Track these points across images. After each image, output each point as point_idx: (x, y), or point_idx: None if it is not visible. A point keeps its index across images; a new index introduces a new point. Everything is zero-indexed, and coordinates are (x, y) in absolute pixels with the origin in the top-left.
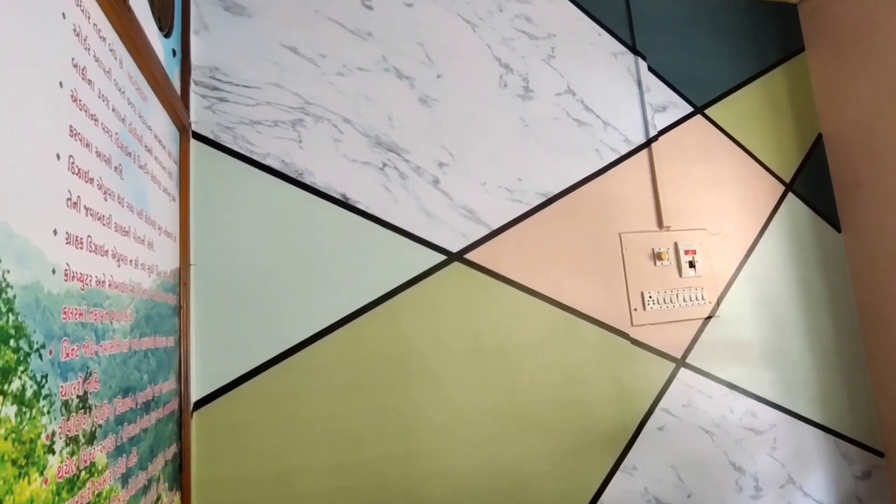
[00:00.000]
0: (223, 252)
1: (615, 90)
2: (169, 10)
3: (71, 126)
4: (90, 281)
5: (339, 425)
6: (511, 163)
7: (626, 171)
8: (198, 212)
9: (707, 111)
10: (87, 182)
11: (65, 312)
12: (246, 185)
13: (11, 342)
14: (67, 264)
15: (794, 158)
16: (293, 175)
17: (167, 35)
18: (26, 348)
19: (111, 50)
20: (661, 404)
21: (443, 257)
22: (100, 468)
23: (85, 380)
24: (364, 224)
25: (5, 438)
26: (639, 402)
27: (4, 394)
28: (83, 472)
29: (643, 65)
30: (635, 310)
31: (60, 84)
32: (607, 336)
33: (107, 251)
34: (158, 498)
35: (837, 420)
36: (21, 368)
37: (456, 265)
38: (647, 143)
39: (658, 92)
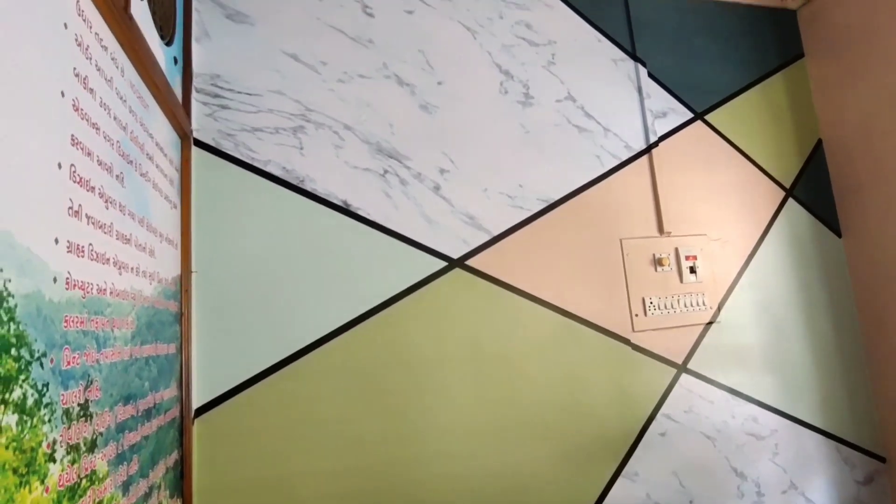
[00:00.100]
0: (224, 259)
1: (615, 96)
2: (170, 19)
3: (73, 135)
4: (91, 289)
5: (340, 431)
6: (512, 169)
7: (626, 177)
8: (199, 219)
9: (707, 117)
10: (88, 191)
11: (66, 321)
12: (247, 192)
13: (13, 351)
14: (69, 273)
15: (794, 164)
16: (294, 182)
17: (169, 43)
18: (27, 357)
19: (113, 59)
20: (663, 410)
21: (444, 264)
22: (100, 476)
23: (86, 388)
24: (365, 231)
25: (6, 447)
26: (640, 407)
27: (6, 403)
28: (84, 481)
29: (643, 71)
30: (636, 315)
31: (62, 94)
32: (608, 342)
33: (108, 259)
34: None
35: (839, 425)
36: (22, 377)
37: (457, 271)
38: (648, 150)
39: (658, 98)
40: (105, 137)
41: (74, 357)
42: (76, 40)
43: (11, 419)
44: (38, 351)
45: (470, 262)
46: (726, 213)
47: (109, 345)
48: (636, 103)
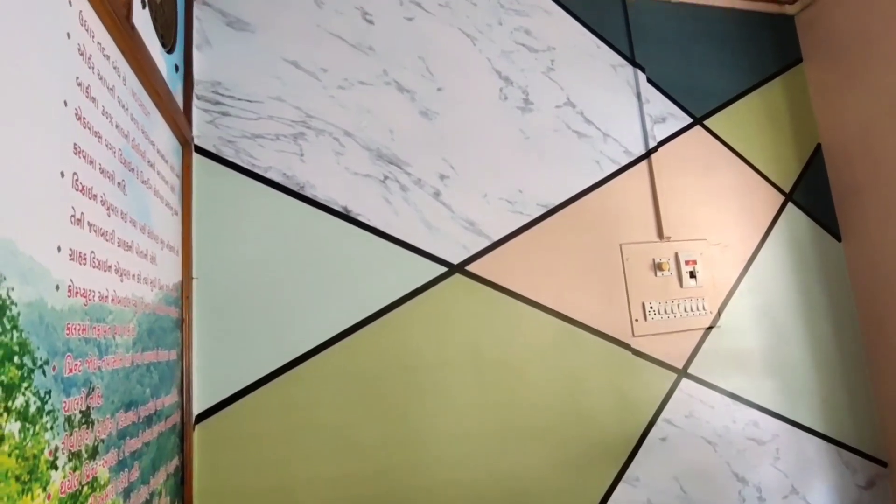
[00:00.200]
0: (225, 265)
1: (615, 102)
2: (172, 27)
3: (75, 144)
4: (93, 296)
5: (341, 437)
6: (511, 174)
7: (626, 182)
8: (200, 225)
9: (706, 122)
10: (90, 199)
11: (68, 328)
12: (248, 198)
13: (15, 359)
14: (71, 280)
15: (793, 168)
16: (295, 188)
17: (170, 51)
18: (30, 365)
19: (115, 67)
20: (664, 415)
21: (444, 269)
22: (102, 483)
23: (88, 395)
24: (365, 236)
25: (9, 455)
26: (641, 412)
27: (8, 410)
28: (85, 488)
29: (642, 77)
30: (636, 320)
31: (65, 103)
32: (609, 347)
33: (110, 266)
34: None
35: (840, 430)
36: (25, 385)
37: (457, 277)
38: (647, 155)
39: (657, 103)
40: (107, 145)
41: (76, 364)
42: (79, 50)
43: (14, 427)
44: (41, 359)
45: (470, 268)
46: (726, 218)
47: (111, 352)
48: (635, 108)
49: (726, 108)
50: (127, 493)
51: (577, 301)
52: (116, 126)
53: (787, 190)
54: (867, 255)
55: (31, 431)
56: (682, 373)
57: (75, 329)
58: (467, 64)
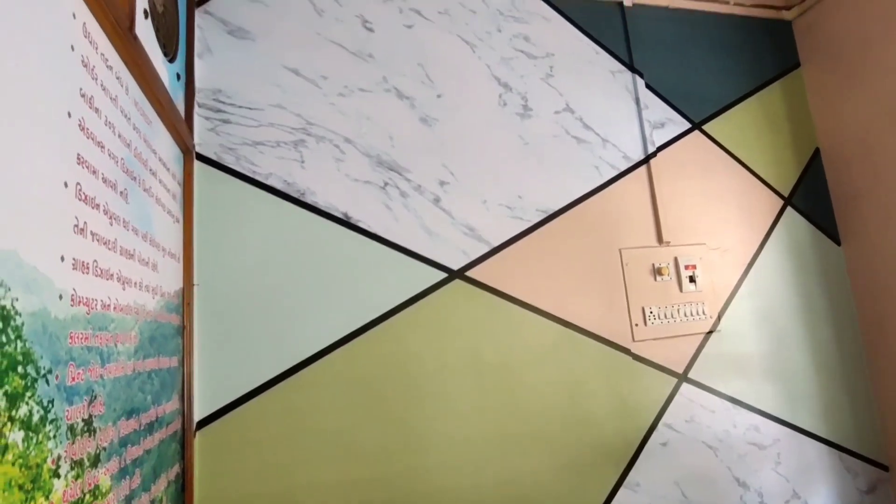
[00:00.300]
0: (226, 272)
1: (613, 107)
2: (173, 36)
3: (78, 154)
4: (96, 305)
5: (342, 443)
6: (511, 180)
7: (625, 187)
8: (201, 232)
9: (705, 127)
10: (93, 208)
11: (71, 337)
12: (248, 205)
13: (19, 368)
14: (74, 289)
15: (792, 172)
16: (295, 195)
17: (171, 60)
18: (33, 374)
19: (117, 78)
20: (664, 420)
21: (444, 275)
22: (104, 491)
23: (90, 403)
24: (366, 243)
25: (13, 464)
26: (641, 417)
27: (12, 420)
28: (87, 496)
29: (641, 82)
30: (636, 325)
31: (69, 114)
32: (609, 352)
33: (112, 275)
34: None
35: (841, 434)
36: (28, 394)
37: (457, 283)
38: (646, 160)
39: (656, 109)
40: (110, 155)
41: (79, 373)
42: (82, 61)
43: (18, 436)
44: (44, 368)
45: (470, 273)
46: (725, 222)
47: (113, 359)
48: (634, 114)
49: (725, 113)
50: (128, 500)
51: (576, 306)
52: (119, 136)
53: (786, 194)
54: (867, 259)
55: (34, 440)
56: (683, 377)
57: (78, 338)
58: (467, 71)
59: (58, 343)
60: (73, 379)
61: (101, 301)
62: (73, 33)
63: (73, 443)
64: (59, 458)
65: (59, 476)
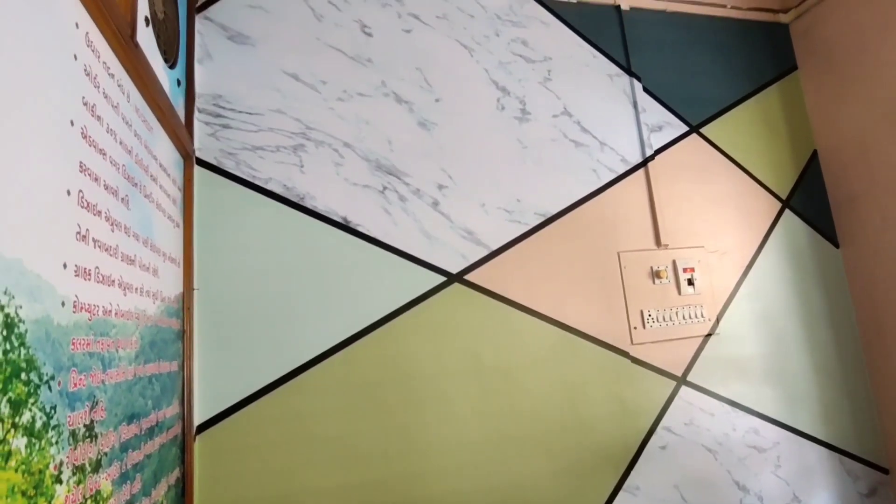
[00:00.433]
0: (226, 276)
1: (611, 111)
2: (174, 42)
3: (81, 162)
4: (97, 311)
5: (341, 447)
6: (509, 184)
7: (623, 190)
8: (201, 237)
9: (702, 130)
10: (95, 215)
11: (73, 343)
12: (248, 209)
13: (23, 375)
14: (76, 296)
15: (790, 175)
16: (295, 199)
17: (172, 66)
18: (36, 380)
19: (119, 85)
20: (663, 423)
21: (443, 279)
22: (105, 496)
23: (91, 409)
24: (365, 247)
25: (16, 470)
26: (640, 420)
27: (16, 426)
28: (89, 501)
29: (638, 86)
30: (635, 328)
31: (71, 122)
32: (608, 355)
33: (113, 281)
34: None
35: (841, 437)
36: (31, 401)
37: (456, 286)
38: (644, 163)
39: (653, 112)
40: (111, 162)
41: (81, 379)
42: (85, 70)
43: (21, 442)
44: (47, 374)
45: (469, 277)
46: (723, 225)
47: (114, 365)
48: (632, 117)
49: (722, 116)
50: None
51: (575, 309)
52: (120, 143)
53: (784, 197)
54: (865, 261)
55: (36, 446)
56: (682, 380)
57: (80, 344)
58: (465, 75)
59: (60, 349)
60: (75, 385)
61: (103, 307)
62: (75, 43)
63: (75, 448)
64: (61, 463)
65: (61, 482)
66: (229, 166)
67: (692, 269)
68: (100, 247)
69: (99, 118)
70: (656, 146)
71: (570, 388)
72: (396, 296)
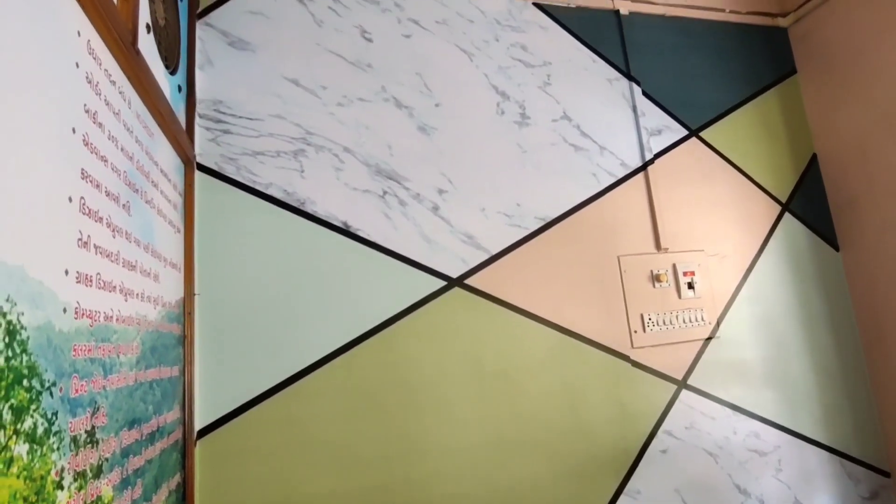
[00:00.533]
0: (226, 281)
1: (610, 115)
2: (175, 49)
3: (82, 169)
4: (99, 317)
5: (342, 451)
6: (509, 188)
7: (623, 194)
8: (202, 242)
9: (702, 134)
10: (96, 221)
11: (74, 350)
12: (249, 214)
13: (24, 382)
14: (78, 302)
15: (789, 179)
16: (295, 204)
17: (173, 72)
18: (38, 387)
19: (120, 92)
20: (664, 427)
21: (443, 283)
22: (105, 502)
23: (93, 414)
24: (365, 251)
25: (18, 476)
26: (641, 424)
27: (17, 433)
28: None
29: (637, 90)
30: (635, 332)
31: (73, 130)
32: (608, 359)
33: (114, 287)
34: None
35: (842, 440)
36: (33, 407)
37: (456, 290)
38: (644, 167)
39: (653, 116)
40: (113, 169)
41: (82, 385)
42: (87, 78)
43: (22, 449)
44: (49, 381)
45: (469, 281)
46: (723, 229)
47: (115, 371)
48: (631, 121)
49: (722, 120)
50: None
51: (575, 313)
52: (122, 149)
53: (783, 200)
54: (865, 264)
55: (38, 453)
56: (682, 384)
57: (81, 350)
58: (464, 80)
59: (62, 356)
60: (77, 391)
61: (104, 313)
62: (77, 51)
63: (77, 454)
64: (62, 469)
65: (62, 488)
66: (230, 171)
67: (692, 273)
68: (101, 253)
69: (101, 125)
70: (656, 150)
71: (571, 392)
72: (397, 300)
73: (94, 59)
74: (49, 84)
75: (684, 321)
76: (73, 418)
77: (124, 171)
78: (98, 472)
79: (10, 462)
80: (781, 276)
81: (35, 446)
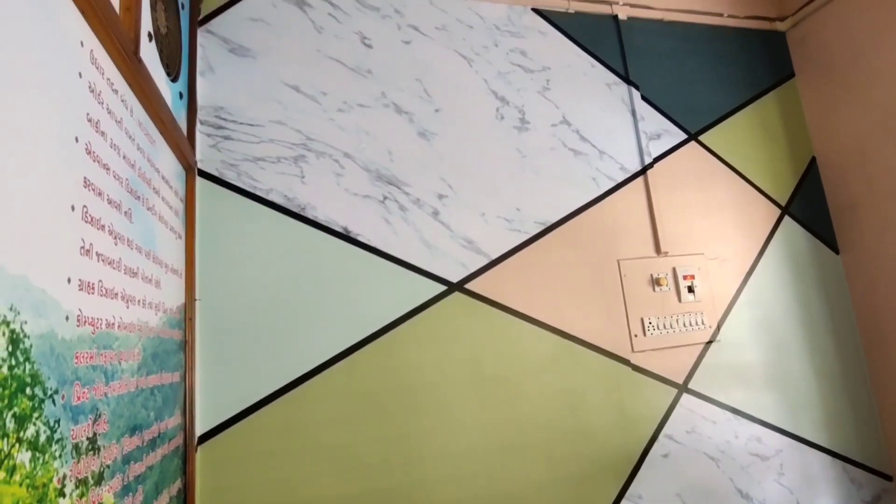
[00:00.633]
0: (227, 286)
1: (610, 120)
2: (176, 56)
3: (85, 177)
4: (100, 324)
5: (343, 456)
6: (509, 193)
7: (622, 198)
8: (203, 248)
9: (701, 137)
10: (98, 229)
11: (77, 357)
12: (250, 220)
13: (27, 390)
14: (80, 310)
15: (788, 182)
16: (296, 210)
17: (174, 79)
18: (41, 395)
19: (122, 100)
20: (665, 431)
21: (443, 287)
22: None
23: (94, 422)
24: (365, 256)
25: (20, 484)
26: (642, 428)
27: (20, 441)
28: None
29: (636, 94)
30: (636, 336)
31: (76, 139)
32: (608, 363)
33: (116, 294)
34: None
35: (844, 444)
36: (36, 415)
37: (456, 295)
38: (643, 171)
39: (652, 120)
40: (115, 176)
41: (84, 392)
42: (89, 87)
43: (25, 456)
44: (51, 388)
45: (469, 286)
46: (723, 232)
47: (117, 377)
48: (630, 126)
49: (721, 124)
50: None
51: (576, 317)
52: (124, 157)
53: (783, 203)
54: (865, 267)
55: (40, 461)
56: (683, 388)
57: (83, 357)
58: (464, 85)
59: (64, 363)
60: (79, 398)
61: (106, 320)
62: (80, 61)
63: (78, 462)
64: (64, 477)
65: (64, 495)
66: (231, 177)
67: (692, 277)
68: (103, 260)
69: (103, 134)
70: (655, 154)
71: (571, 397)
72: (397, 305)
73: (97, 68)
74: (52, 94)
75: (685, 325)
76: (74, 426)
77: (126, 179)
78: (99, 479)
79: (12, 470)
80: (782, 279)
81: (37, 454)
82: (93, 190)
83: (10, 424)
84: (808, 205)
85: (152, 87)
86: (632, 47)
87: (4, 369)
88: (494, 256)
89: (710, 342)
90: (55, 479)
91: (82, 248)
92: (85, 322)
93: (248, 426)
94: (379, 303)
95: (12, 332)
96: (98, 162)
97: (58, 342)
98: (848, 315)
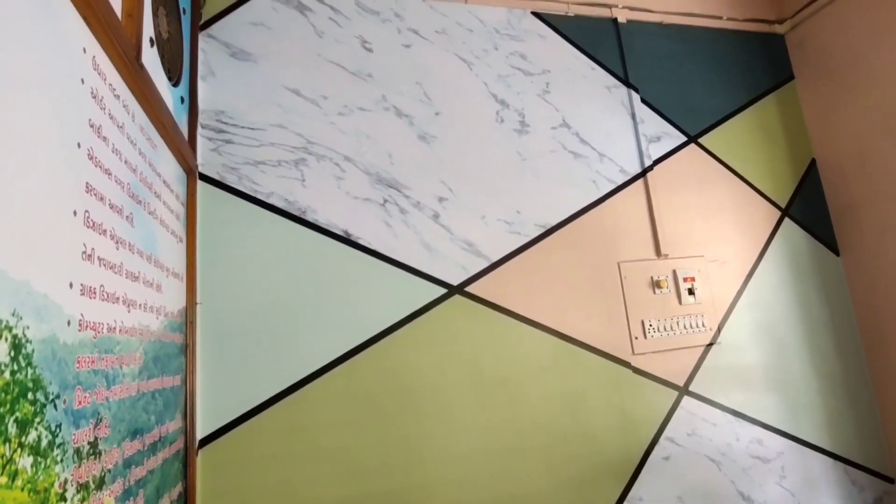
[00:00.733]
0: (228, 290)
1: (609, 122)
2: (178, 61)
3: (87, 183)
4: (102, 329)
5: (343, 459)
6: (509, 196)
7: (622, 201)
8: (204, 251)
9: (701, 140)
10: (100, 234)
11: (78, 362)
12: (250, 223)
13: (29, 395)
14: (82, 315)
15: (788, 184)
16: (296, 213)
17: (176, 84)
18: (42, 400)
19: (124, 106)
20: (666, 433)
21: (444, 290)
22: None
23: (96, 426)
24: (366, 259)
25: (22, 489)
26: (643, 431)
27: (22, 446)
28: None
29: (636, 97)
30: (636, 338)
31: (78, 145)
32: (609, 365)
33: (118, 298)
34: None
35: (845, 446)
36: (37, 420)
37: (457, 298)
38: (643, 173)
39: (652, 123)
40: (116, 181)
41: (86, 396)
42: (92, 93)
43: (27, 461)
44: (53, 393)
45: (469, 289)
46: (723, 234)
47: (118, 381)
48: (630, 128)
49: (720, 126)
50: None
51: (576, 320)
52: (125, 162)
53: (783, 205)
54: (866, 269)
55: (42, 465)
56: (684, 390)
57: (85, 362)
58: (464, 88)
59: (66, 368)
60: (80, 403)
61: (108, 324)
62: (83, 67)
63: (80, 466)
64: (65, 481)
65: (65, 500)
66: (231, 181)
67: (692, 279)
68: (105, 265)
69: (105, 139)
70: (655, 157)
71: (572, 399)
72: (397, 308)
73: (99, 74)
74: (55, 100)
75: (685, 327)
76: (76, 430)
77: (128, 184)
78: (101, 484)
79: (14, 475)
80: (782, 281)
81: (39, 459)
82: (94, 195)
83: (12, 429)
84: (808, 206)
85: (154, 92)
86: (631, 50)
87: (6, 374)
88: (495, 259)
89: (710, 344)
90: (57, 484)
91: (84, 252)
92: (86, 326)
93: (248, 429)
94: (379, 306)
95: (14, 336)
96: (100, 167)
97: (59, 347)
98: (848, 316)
